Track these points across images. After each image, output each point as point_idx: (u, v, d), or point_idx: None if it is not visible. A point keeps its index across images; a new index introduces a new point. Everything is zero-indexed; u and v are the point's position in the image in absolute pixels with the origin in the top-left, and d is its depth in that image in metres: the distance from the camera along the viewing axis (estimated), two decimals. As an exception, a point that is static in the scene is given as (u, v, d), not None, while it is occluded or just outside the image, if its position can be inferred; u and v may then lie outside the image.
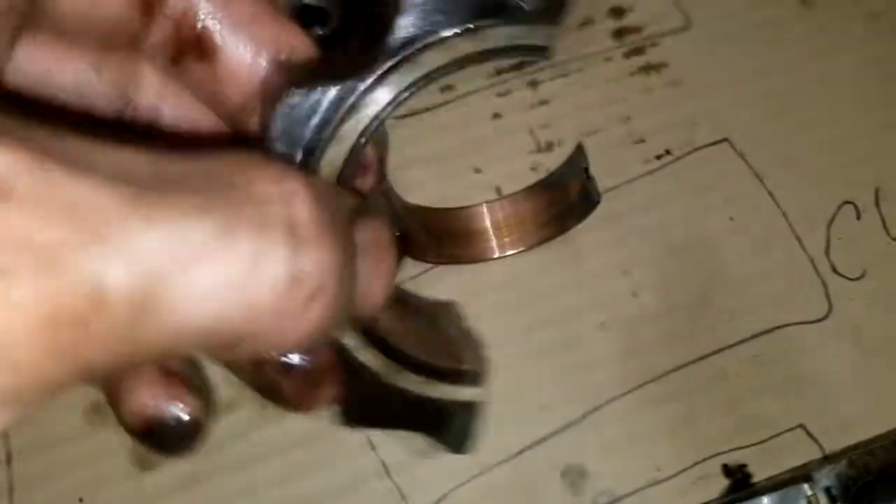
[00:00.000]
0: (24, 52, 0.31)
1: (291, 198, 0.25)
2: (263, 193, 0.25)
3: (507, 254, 0.48)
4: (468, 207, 0.48)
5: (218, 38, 0.33)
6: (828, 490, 0.37)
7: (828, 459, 0.40)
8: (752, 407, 0.45)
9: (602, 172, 0.49)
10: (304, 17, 0.43)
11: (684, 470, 0.44)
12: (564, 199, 0.48)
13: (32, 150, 0.20)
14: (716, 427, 0.45)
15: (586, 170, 0.48)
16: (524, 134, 0.49)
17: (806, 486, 0.37)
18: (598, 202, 0.47)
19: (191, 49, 0.33)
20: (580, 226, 0.48)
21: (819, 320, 0.47)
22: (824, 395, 0.46)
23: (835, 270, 0.48)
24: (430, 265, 0.48)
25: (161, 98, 0.35)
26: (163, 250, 0.21)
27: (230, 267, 0.23)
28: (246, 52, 0.33)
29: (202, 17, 0.33)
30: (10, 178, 0.20)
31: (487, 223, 0.48)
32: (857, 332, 0.46)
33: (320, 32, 0.44)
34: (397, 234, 0.47)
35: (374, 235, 0.31)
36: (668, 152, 0.49)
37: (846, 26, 0.51)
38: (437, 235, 0.48)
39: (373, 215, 0.32)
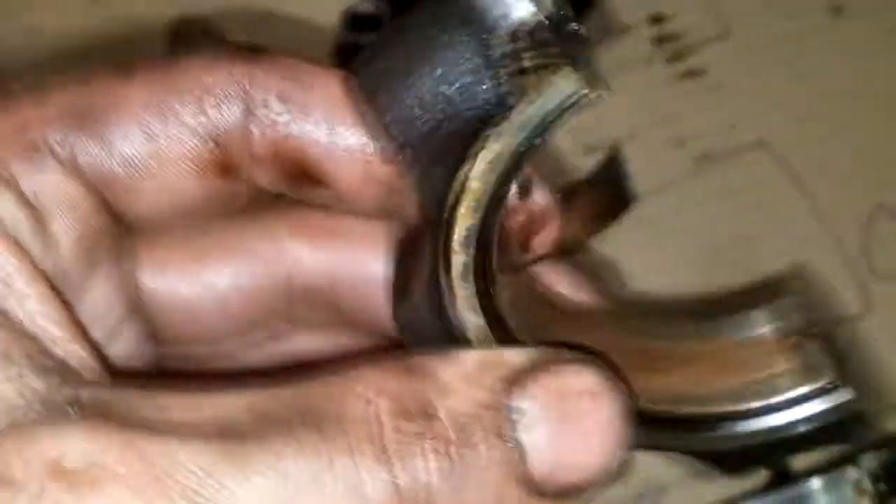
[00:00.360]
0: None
1: (374, 413, 0.24)
2: (353, 417, 0.24)
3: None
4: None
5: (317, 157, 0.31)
6: (872, 473, 0.38)
7: (873, 445, 0.41)
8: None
9: (642, 175, 0.50)
10: (354, 25, 0.44)
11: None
12: (601, 200, 0.49)
13: (121, 427, 0.22)
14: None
15: (622, 170, 0.49)
16: (566, 137, 0.51)
17: (852, 469, 0.38)
18: (633, 202, 0.49)
19: (301, 176, 0.32)
20: (619, 228, 0.49)
21: (858, 319, 0.48)
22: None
23: (872, 270, 0.49)
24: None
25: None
26: (263, 499, 0.22)
27: (332, 499, 0.23)
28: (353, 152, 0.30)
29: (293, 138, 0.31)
30: (100, 461, 0.21)
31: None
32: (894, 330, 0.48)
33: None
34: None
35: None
36: (707, 155, 0.51)
37: (875, 35, 0.53)
38: None
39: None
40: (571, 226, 0.48)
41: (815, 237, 0.49)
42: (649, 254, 0.49)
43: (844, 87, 0.52)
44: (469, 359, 0.25)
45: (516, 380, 0.24)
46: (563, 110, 0.25)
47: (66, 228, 0.28)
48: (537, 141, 0.25)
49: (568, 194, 0.49)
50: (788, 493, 0.39)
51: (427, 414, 0.25)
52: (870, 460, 0.38)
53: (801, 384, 0.29)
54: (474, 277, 0.26)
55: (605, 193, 0.49)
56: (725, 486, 0.45)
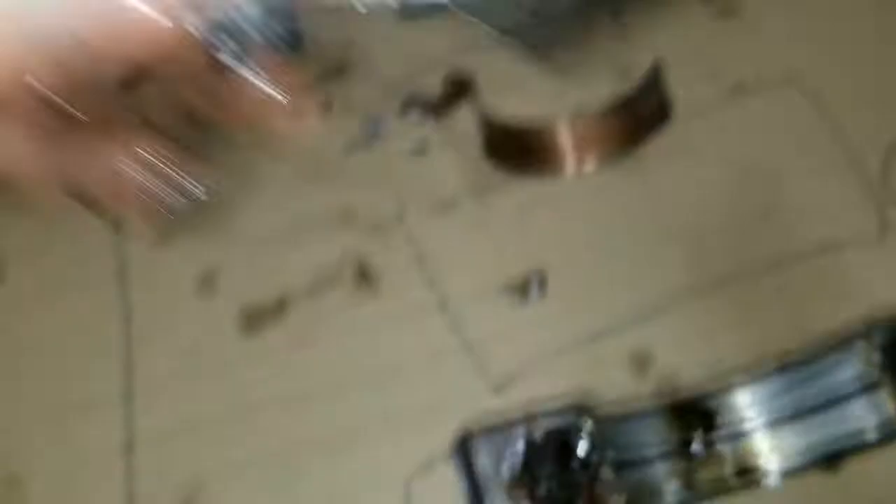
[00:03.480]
0: None
1: None
2: None
3: (584, 170, 0.52)
4: (549, 124, 0.52)
5: None
6: (882, 346, 0.40)
7: (883, 320, 0.43)
8: (810, 311, 0.49)
9: (676, 104, 0.53)
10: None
11: (745, 361, 0.48)
12: (640, 114, 0.52)
13: None
14: (773, 329, 0.48)
15: (661, 85, 0.52)
16: (606, 65, 0.54)
17: (862, 342, 0.40)
18: (670, 116, 0.51)
19: None
20: (652, 153, 0.52)
21: (873, 242, 0.50)
22: (872, 306, 0.49)
23: (891, 198, 0.51)
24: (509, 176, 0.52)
25: None
26: None
27: None
28: None
29: None
30: None
31: (566, 140, 0.52)
32: (910, 253, 0.50)
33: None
34: (483, 142, 0.51)
35: None
36: (739, 86, 0.53)
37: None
38: (519, 148, 0.52)
39: None
40: (619, 136, 0.52)
41: (838, 165, 0.52)
42: (678, 174, 0.52)
43: (873, 23, 0.55)
44: None
45: None
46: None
47: None
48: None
49: (607, 112, 0.52)
50: (803, 368, 0.41)
51: None
52: (880, 335, 0.40)
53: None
54: None
55: (645, 108, 0.52)
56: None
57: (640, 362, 0.48)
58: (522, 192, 0.52)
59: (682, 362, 0.48)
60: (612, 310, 0.49)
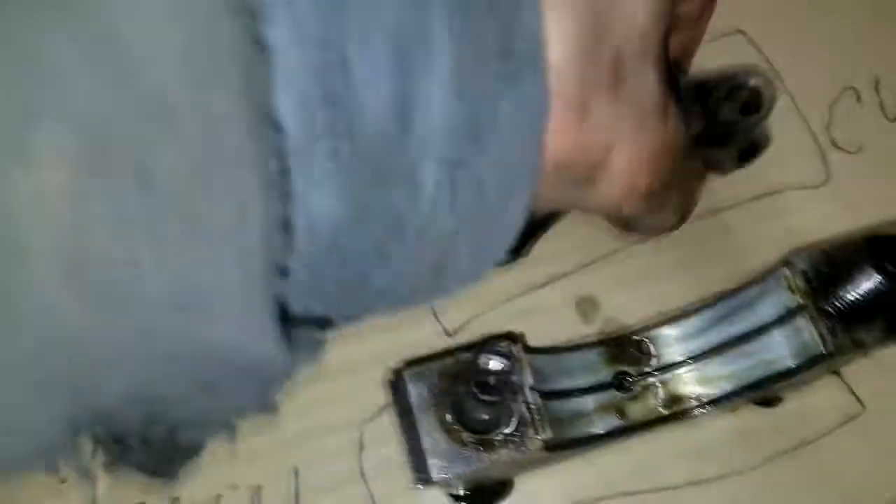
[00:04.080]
0: None
1: None
2: None
3: None
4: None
5: None
6: (804, 272, 0.41)
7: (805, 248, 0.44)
8: (750, 257, 0.50)
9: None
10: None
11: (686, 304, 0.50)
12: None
13: None
14: (717, 272, 0.50)
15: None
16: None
17: (786, 269, 0.42)
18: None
19: None
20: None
21: (817, 186, 0.52)
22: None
23: (834, 144, 0.53)
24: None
25: None
26: None
27: None
28: None
29: None
30: None
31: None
32: (851, 196, 0.51)
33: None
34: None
35: None
36: (685, 37, 0.55)
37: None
38: None
39: None
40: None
41: (784, 114, 0.53)
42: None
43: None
44: None
45: None
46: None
47: None
48: None
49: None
50: (730, 300, 0.43)
51: None
52: (801, 260, 0.41)
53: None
54: None
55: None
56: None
57: (585, 307, 0.50)
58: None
59: (626, 305, 0.49)
60: (557, 257, 0.50)
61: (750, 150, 0.48)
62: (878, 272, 0.38)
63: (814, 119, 0.53)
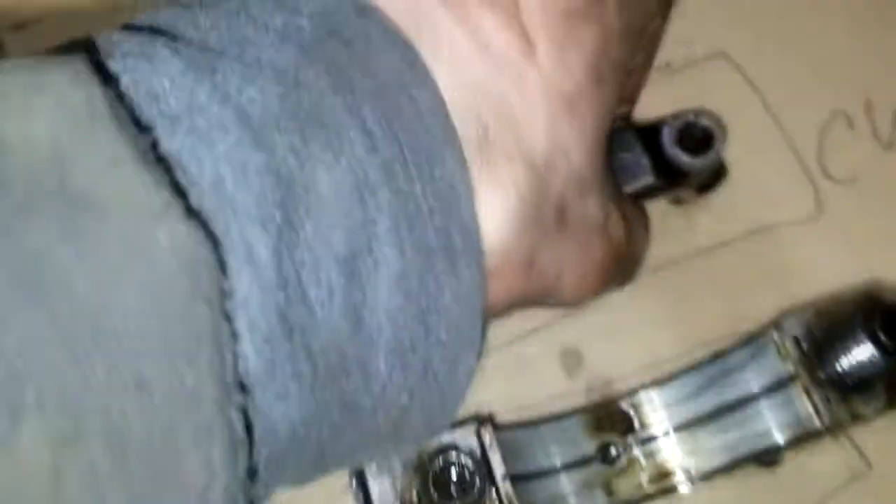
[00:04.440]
0: None
1: None
2: None
3: None
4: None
5: None
6: (794, 338, 0.39)
7: (794, 311, 0.42)
8: (743, 300, 0.48)
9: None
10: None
11: (677, 356, 0.47)
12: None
13: None
14: (708, 319, 0.47)
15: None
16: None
17: (775, 333, 0.39)
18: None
19: None
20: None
21: (809, 220, 0.49)
22: (811, 290, 0.48)
23: (826, 174, 0.50)
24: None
25: None
26: None
27: None
28: None
29: None
30: None
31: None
32: (846, 231, 0.49)
33: None
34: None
35: None
36: (667, 65, 0.52)
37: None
38: None
39: None
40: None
41: (772, 143, 0.50)
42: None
43: (803, 1, 0.53)
44: None
45: None
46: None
47: None
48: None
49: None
50: (716, 365, 0.40)
51: None
52: (792, 325, 0.39)
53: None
54: None
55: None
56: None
57: (569, 360, 0.47)
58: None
59: (612, 358, 0.47)
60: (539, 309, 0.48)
61: (709, 183, 0.48)
62: (873, 344, 0.35)
63: (803, 147, 0.50)
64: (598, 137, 0.29)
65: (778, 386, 0.38)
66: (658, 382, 0.41)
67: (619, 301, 0.48)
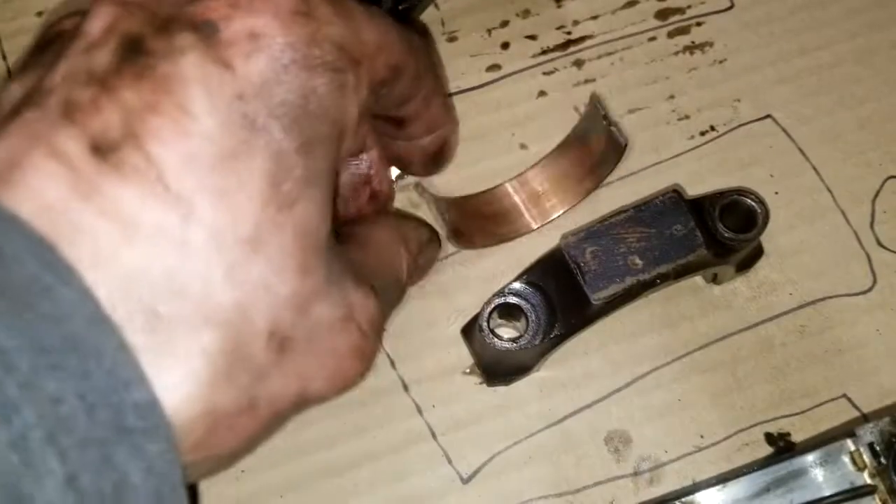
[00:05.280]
0: None
1: None
2: None
3: (548, 220, 0.48)
4: (496, 187, 0.48)
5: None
6: (871, 446, 0.37)
7: (869, 418, 0.40)
8: (796, 377, 0.46)
9: (646, 149, 0.50)
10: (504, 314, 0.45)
11: (727, 437, 0.45)
12: (592, 151, 0.48)
13: None
14: (760, 396, 0.45)
15: (605, 116, 0.48)
16: (569, 111, 0.51)
17: (849, 441, 0.37)
18: (625, 145, 0.48)
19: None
20: (628, 199, 0.48)
21: (863, 293, 0.47)
22: (868, 366, 0.46)
23: (879, 244, 0.48)
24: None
25: None
26: None
27: None
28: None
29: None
30: None
31: (518, 198, 0.48)
32: (903, 303, 0.47)
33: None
34: (444, 227, 0.48)
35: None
36: (712, 128, 0.50)
37: (883, 3, 0.52)
38: (477, 221, 0.49)
39: None
40: (573, 176, 0.48)
41: (823, 209, 0.49)
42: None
43: (851, 61, 0.51)
44: None
45: None
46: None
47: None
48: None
49: (557, 156, 0.49)
50: (783, 466, 0.38)
51: None
52: (868, 433, 0.37)
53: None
54: None
55: (595, 143, 0.48)
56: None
57: (616, 442, 0.45)
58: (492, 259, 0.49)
59: (661, 439, 0.45)
60: (580, 385, 0.46)
61: (747, 261, 0.48)
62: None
63: (855, 215, 0.48)
64: (309, 246, 0.30)
65: (854, 495, 0.36)
66: (720, 478, 0.39)
67: (665, 380, 0.46)
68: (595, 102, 0.49)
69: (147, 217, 0.26)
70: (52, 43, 0.33)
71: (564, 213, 0.48)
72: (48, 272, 0.25)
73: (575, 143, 0.48)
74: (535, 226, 0.48)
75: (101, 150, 0.26)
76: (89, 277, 0.26)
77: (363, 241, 0.38)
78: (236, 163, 0.28)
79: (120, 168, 0.26)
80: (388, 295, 0.37)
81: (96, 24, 0.29)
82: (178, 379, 0.27)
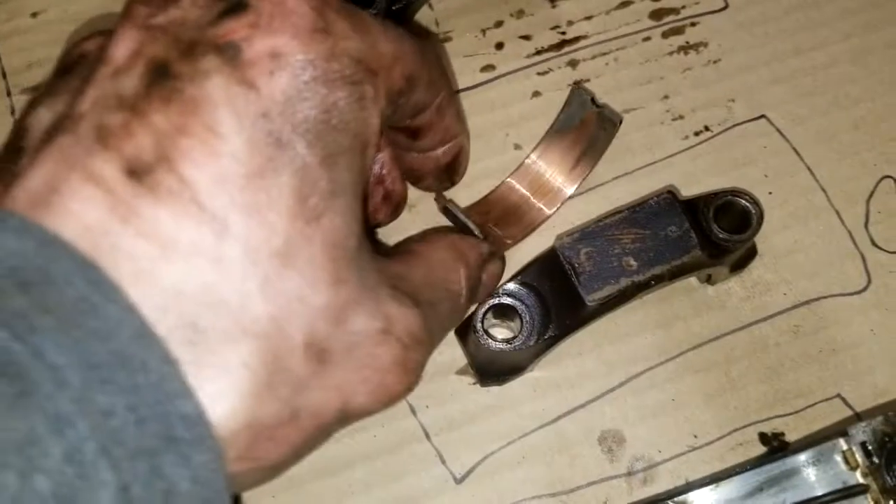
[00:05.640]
0: None
1: None
2: None
3: (562, 201, 0.49)
4: (499, 186, 0.48)
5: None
6: (863, 445, 0.37)
7: (863, 417, 0.40)
8: (790, 377, 0.46)
9: (641, 148, 0.50)
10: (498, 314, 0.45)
11: (721, 437, 0.45)
12: (585, 133, 0.48)
13: None
14: (753, 396, 0.45)
15: (593, 100, 0.48)
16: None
17: (842, 440, 0.37)
18: (620, 122, 0.48)
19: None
20: (622, 199, 0.48)
21: (858, 293, 0.47)
22: (863, 366, 0.46)
23: (874, 244, 0.48)
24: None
25: None
26: None
27: None
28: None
29: None
30: None
31: (523, 190, 0.49)
32: (896, 303, 0.47)
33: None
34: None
35: None
36: (706, 128, 0.50)
37: (877, 4, 0.52)
38: (495, 222, 0.49)
39: None
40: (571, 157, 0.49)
41: (817, 209, 0.49)
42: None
43: (845, 61, 0.51)
44: None
45: None
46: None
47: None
48: None
49: (549, 144, 0.49)
50: (776, 466, 0.38)
51: None
52: (861, 432, 0.37)
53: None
54: None
55: (587, 126, 0.48)
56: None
57: (610, 442, 0.45)
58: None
59: (654, 439, 0.45)
60: (573, 385, 0.46)
61: (741, 262, 0.48)
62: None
63: (849, 215, 0.48)
64: (339, 257, 0.30)
65: (846, 495, 0.36)
66: (713, 478, 0.39)
67: (659, 380, 0.46)
68: (577, 88, 0.50)
69: (183, 236, 0.27)
70: (75, 65, 0.34)
71: (577, 190, 0.49)
72: (94, 291, 0.26)
73: (565, 129, 0.49)
74: (549, 211, 0.49)
75: (136, 173, 0.27)
76: (132, 295, 0.26)
77: (411, 255, 0.38)
78: (264, 180, 0.28)
79: (155, 190, 0.27)
80: (439, 309, 0.37)
81: (122, 49, 0.29)
82: (220, 390, 0.27)
